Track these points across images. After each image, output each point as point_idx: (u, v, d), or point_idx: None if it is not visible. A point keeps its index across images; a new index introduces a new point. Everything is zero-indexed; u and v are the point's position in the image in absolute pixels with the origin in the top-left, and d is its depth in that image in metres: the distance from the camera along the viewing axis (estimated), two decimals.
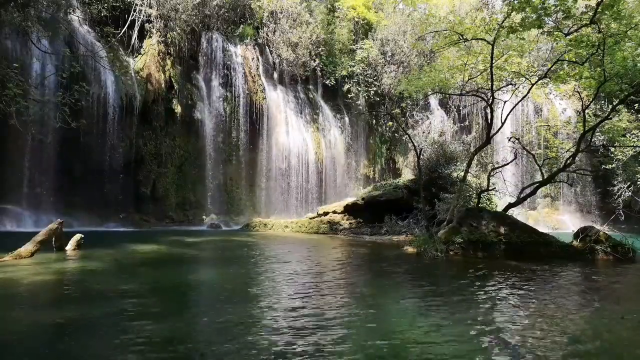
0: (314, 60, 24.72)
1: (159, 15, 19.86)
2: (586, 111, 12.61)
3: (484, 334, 4.01)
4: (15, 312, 4.50)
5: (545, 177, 12.99)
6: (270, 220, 18.58)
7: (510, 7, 10.36)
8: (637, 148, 17.04)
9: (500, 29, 10.95)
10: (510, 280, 6.99)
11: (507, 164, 14.41)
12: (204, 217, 20.12)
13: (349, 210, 17.70)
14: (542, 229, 13.58)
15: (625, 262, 9.18)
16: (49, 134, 15.78)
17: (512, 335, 3.99)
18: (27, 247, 7.81)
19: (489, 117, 13.05)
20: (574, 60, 11.42)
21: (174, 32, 20.31)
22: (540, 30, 11.52)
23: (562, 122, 24.64)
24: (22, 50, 15.55)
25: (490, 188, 13.29)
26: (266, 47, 23.98)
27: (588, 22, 10.09)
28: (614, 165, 19.30)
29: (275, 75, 24.33)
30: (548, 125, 25.76)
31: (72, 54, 15.65)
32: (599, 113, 18.32)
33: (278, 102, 23.61)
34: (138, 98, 18.58)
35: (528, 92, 13.23)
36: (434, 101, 28.27)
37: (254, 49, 23.51)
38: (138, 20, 19.33)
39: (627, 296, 6.24)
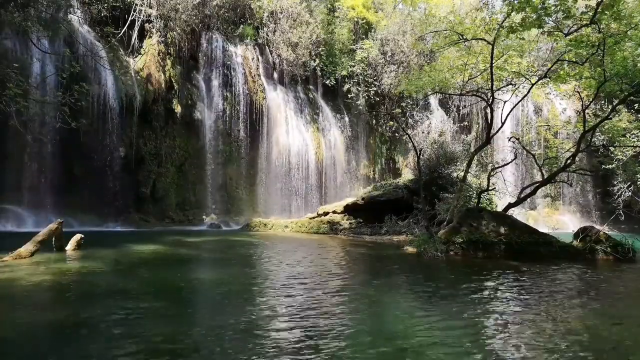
0: (314, 60, 24.71)
1: (159, 15, 19.86)
2: (586, 111, 12.60)
3: (484, 333, 4.01)
4: (15, 312, 4.50)
5: (545, 177, 12.99)
6: (270, 220, 18.58)
7: (510, 7, 10.36)
8: (637, 148, 17.03)
9: (500, 29, 10.96)
10: (511, 280, 6.99)
11: (507, 164, 14.42)
12: (204, 217, 20.12)
13: (349, 210, 17.69)
14: (542, 229, 13.59)
15: (625, 262, 9.17)
16: (49, 134, 15.78)
17: (513, 335, 3.99)
18: (27, 247, 7.80)
19: (489, 117, 13.06)
20: (574, 60, 11.43)
21: (174, 32, 20.31)
22: (540, 30, 11.53)
23: (562, 122, 24.66)
24: (22, 50, 15.55)
25: (490, 188, 13.29)
26: (266, 47, 23.98)
27: (588, 22, 10.09)
28: (614, 165, 19.29)
29: (275, 76, 24.33)
30: (548, 125, 25.78)
31: (72, 54, 15.63)
32: (599, 113, 18.32)
33: (278, 102, 23.61)
34: (138, 98, 18.58)
35: (528, 92, 13.23)
36: (434, 101, 28.28)
37: (254, 49, 23.51)
38: (138, 20, 19.33)
39: (627, 296, 6.23)
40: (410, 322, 4.38)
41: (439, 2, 25.73)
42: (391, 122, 26.33)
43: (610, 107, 13.31)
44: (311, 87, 26.09)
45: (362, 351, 3.48)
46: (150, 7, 19.62)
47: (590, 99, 13.82)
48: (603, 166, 19.69)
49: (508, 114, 12.85)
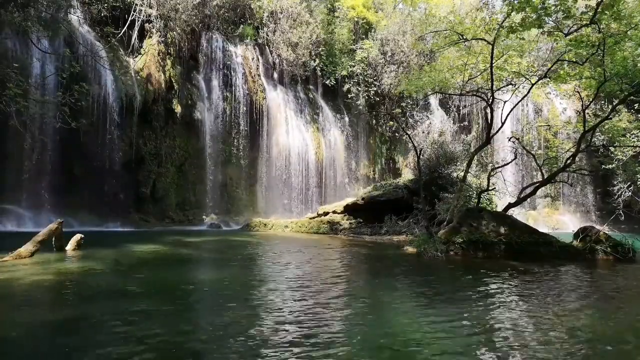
0: (314, 60, 24.72)
1: (159, 15, 19.86)
2: (586, 111, 12.60)
3: (484, 334, 4.01)
4: (15, 312, 4.50)
5: (545, 177, 12.99)
6: (270, 220, 18.59)
7: (510, 7, 10.36)
8: (637, 148, 17.02)
9: (500, 29, 10.96)
10: (510, 280, 6.99)
11: (507, 164, 14.42)
12: (204, 217, 20.13)
13: (349, 210, 17.70)
14: (542, 229, 13.58)
15: (625, 262, 9.17)
16: (49, 134, 15.78)
17: (512, 335, 3.99)
18: (27, 247, 7.80)
19: (489, 117, 13.06)
20: (574, 60, 11.42)
21: (174, 32, 20.31)
22: (540, 30, 11.52)
23: (562, 122, 24.64)
24: (22, 50, 15.55)
25: (490, 188, 13.29)
26: (266, 47, 23.98)
27: (588, 22, 10.09)
28: (614, 165, 19.27)
29: (275, 76, 24.33)
30: (548, 125, 25.77)
31: (72, 54, 15.63)
32: (599, 113, 18.29)
33: (278, 102, 23.62)
34: (138, 98, 18.58)
35: (528, 92, 13.23)
36: (434, 101, 28.29)
37: (254, 49, 23.51)
38: (138, 20, 19.33)
39: (627, 296, 6.23)
40: (411, 322, 4.37)
41: (439, 2, 25.74)
42: (391, 122, 26.34)
43: (610, 107, 13.30)
44: (311, 87, 26.10)
45: (363, 351, 3.48)
46: (150, 7, 19.62)
47: (590, 99, 13.80)
48: (603, 166, 19.68)
49: (508, 114, 12.84)
